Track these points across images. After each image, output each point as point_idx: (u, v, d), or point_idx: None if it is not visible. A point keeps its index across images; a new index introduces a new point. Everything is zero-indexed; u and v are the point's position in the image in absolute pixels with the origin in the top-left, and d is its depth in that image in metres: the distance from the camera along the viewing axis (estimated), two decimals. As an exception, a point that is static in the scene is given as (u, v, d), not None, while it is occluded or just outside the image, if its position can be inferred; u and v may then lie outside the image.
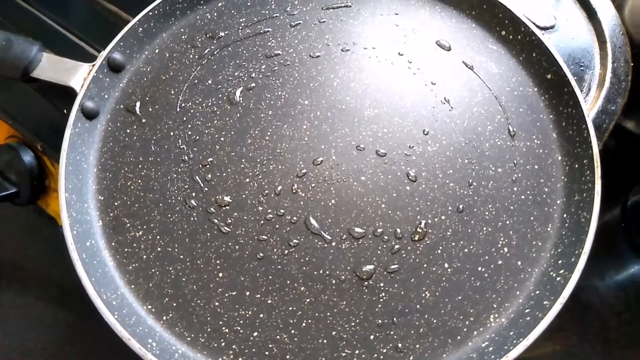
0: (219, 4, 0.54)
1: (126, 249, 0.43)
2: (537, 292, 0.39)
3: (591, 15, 0.56)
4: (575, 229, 0.41)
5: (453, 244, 0.42)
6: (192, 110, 0.49)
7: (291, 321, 0.40)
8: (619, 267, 0.60)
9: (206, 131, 0.47)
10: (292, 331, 0.39)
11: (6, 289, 0.63)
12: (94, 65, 0.49)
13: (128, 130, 0.48)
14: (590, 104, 0.50)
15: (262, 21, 0.53)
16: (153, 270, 0.42)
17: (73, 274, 0.40)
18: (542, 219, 0.42)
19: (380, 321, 0.39)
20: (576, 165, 0.44)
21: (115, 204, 0.45)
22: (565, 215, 0.42)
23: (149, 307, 0.41)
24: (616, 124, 0.50)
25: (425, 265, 0.41)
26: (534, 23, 0.49)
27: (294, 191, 0.44)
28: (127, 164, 0.47)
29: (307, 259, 0.42)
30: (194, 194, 0.45)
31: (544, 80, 0.48)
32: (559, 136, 0.46)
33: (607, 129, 0.49)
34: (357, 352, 0.38)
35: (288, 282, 0.41)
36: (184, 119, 0.48)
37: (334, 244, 0.42)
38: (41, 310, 0.62)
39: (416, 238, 0.42)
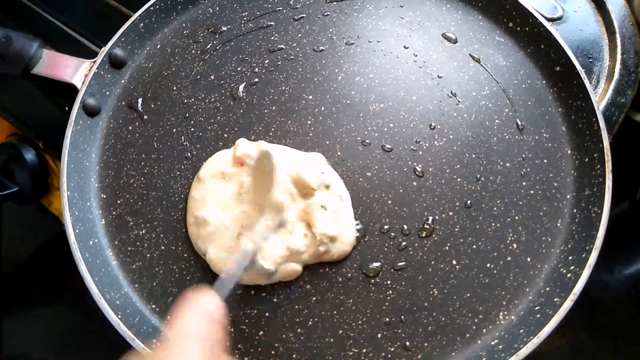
0: (221, -2, 0.54)
1: (129, 248, 0.43)
2: (547, 288, 0.39)
3: (600, 5, 0.55)
4: (585, 224, 0.40)
5: (461, 240, 0.41)
6: (194, 107, 0.48)
7: (297, 320, 0.39)
8: (628, 262, 0.59)
9: (209, 127, 0.47)
10: (299, 330, 0.39)
11: (10, 287, 0.62)
12: (94, 61, 0.48)
13: (130, 127, 0.48)
14: (600, 96, 0.49)
15: (264, 15, 0.52)
16: (157, 269, 0.42)
17: (76, 273, 0.40)
18: (552, 214, 0.42)
19: (387, 319, 0.39)
20: (586, 159, 0.43)
21: (118, 202, 0.45)
22: (575, 210, 0.42)
23: (153, 306, 0.41)
24: (626, 116, 0.49)
25: (432, 262, 0.40)
26: (541, 14, 0.48)
27: (299, 188, 0.43)
28: (129, 161, 0.46)
29: (312, 256, 0.41)
30: (197, 192, 0.44)
31: (552, 72, 0.47)
32: (568, 129, 0.45)
33: (617, 121, 0.49)
34: (364, 350, 0.38)
35: (293, 279, 0.40)
36: (187, 115, 0.48)
37: (340, 241, 0.41)
38: (45, 308, 0.61)
39: (423, 235, 0.41)
